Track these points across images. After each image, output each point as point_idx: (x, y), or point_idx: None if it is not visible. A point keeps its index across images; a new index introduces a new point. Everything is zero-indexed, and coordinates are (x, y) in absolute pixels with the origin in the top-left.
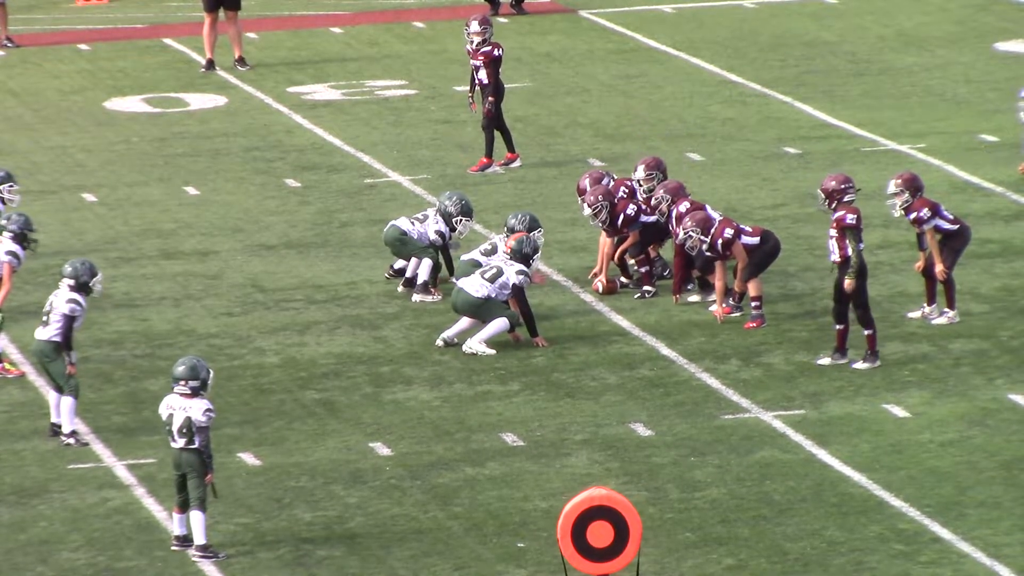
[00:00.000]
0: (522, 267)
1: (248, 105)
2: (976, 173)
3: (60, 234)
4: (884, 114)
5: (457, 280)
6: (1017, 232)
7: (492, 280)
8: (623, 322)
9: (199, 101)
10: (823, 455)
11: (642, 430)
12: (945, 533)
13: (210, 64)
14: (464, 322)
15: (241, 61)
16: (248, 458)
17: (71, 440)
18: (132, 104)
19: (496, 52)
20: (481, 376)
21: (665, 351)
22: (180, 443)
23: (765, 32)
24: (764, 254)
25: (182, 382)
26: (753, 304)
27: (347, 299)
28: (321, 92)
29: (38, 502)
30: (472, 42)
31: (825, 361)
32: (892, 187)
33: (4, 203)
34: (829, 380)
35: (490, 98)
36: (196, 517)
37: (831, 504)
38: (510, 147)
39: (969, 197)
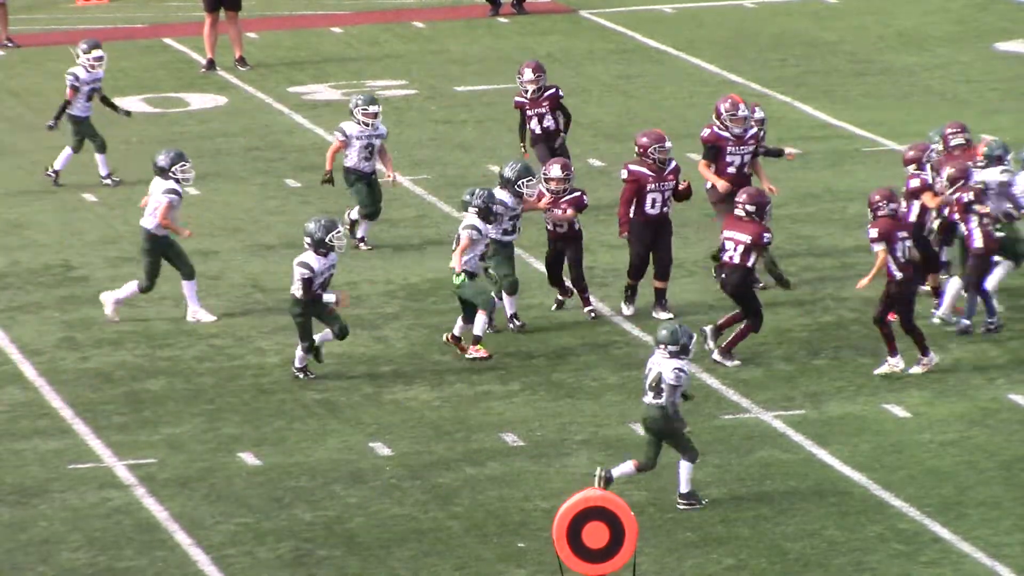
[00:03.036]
0: None
1: (249, 105)
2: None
3: (60, 234)
4: (884, 114)
5: None
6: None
7: None
8: (623, 322)
9: (199, 101)
10: (823, 455)
11: (642, 430)
12: (945, 533)
13: (210, 64)
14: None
15: (242, 61)
16: (248, 458)
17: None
18: (132, 104)
19: (559, 92)
20: (481, 376)
21: None
22: (648, 396)
23: (765, 32)
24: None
25: (662, 346)
26: None
27: None
28: (321, 92)
29: (38, 502)
30: (527, 91)
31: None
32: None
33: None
34: (829, 380)
35: (563, 134)
36: (684, 467)
37: (831, 504)
38: None
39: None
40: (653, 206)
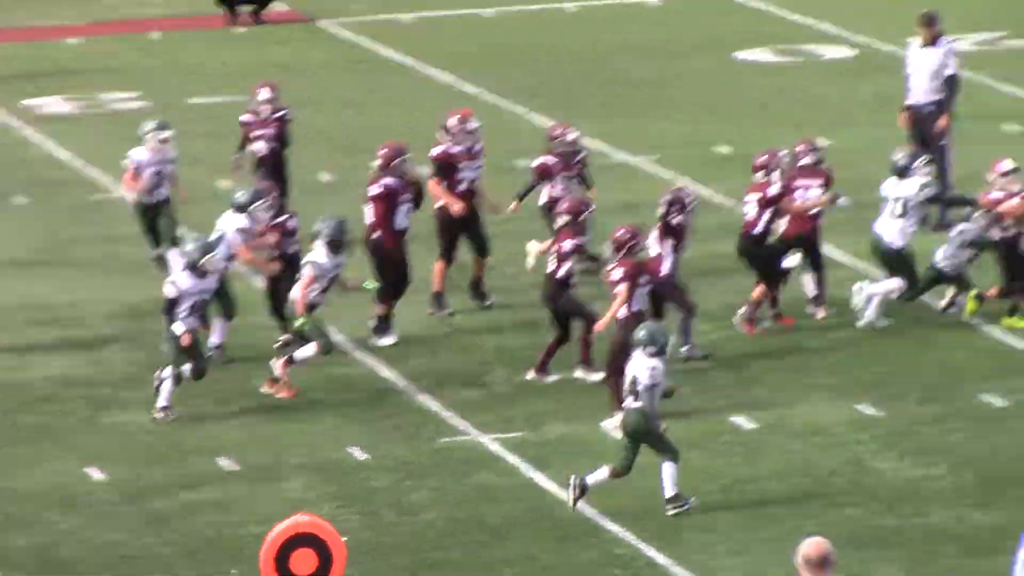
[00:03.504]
0: None
1: None
2: (710, 185)
3: None
4: (620, 124)
5: None
6: None
7: None
8: (344, 343)
9: None
10: (541, 479)
11: (359, 453)
12: (661, 558)
13: None
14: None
15: None
16: None
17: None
18: None
19: (289, 115)
20: (198, 400)
21: (385, 372)
22: (628, 400)
23: (503, 41)
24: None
25: (641, 347)
26: None
27: (68, 320)
28: (54, 105)
29: None
30: (260, 112)
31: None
32: None
33: None
34: (550, 400)
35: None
36: (667, 469)
37: (547, 528)
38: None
39: (703, 210)
40: (406, 217)
